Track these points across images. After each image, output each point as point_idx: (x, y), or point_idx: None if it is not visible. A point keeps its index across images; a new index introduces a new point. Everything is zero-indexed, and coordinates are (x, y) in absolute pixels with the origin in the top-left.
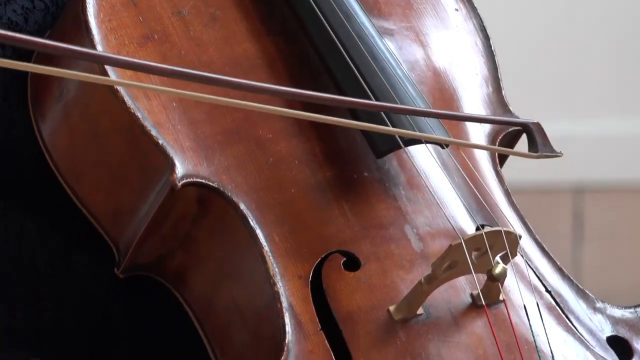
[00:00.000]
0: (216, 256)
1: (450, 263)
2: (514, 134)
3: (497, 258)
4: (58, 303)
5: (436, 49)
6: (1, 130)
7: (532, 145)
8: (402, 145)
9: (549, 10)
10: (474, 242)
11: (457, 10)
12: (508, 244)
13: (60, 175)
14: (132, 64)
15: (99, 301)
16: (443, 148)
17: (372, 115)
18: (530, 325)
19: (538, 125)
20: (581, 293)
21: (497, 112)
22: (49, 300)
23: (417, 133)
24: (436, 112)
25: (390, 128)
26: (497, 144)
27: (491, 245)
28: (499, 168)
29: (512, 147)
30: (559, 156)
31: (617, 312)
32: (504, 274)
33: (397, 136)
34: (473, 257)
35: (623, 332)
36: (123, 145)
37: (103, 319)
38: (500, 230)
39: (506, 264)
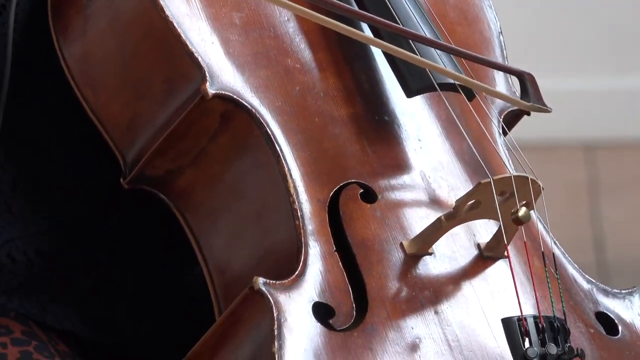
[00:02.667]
0: (229, 175)
1: (474, 202)
2: (516, 114)
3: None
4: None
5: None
6: None
7: (525, 94)
8: (437, 87)
9: None
10: (501, 183)
11: None
12: (533, 193)
13: (74, 83)
14: None
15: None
16: (470, 100)
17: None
18: (546, 271)
19: (532, 76)
20: (571, 262)
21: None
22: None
23: (455, 73)
24: (442, 43)
25: (429, 62)
26: (501, 120)
27: (517, 190)
28: (503, 138)
29: (512, 126)
30: (548, 111)
31: (608, 292)
32: (528, 217)
33: (431, 77)
34: (498, 200)
35: (609, 309)
36: (152, 55)
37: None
38: (528, 177)
39: None
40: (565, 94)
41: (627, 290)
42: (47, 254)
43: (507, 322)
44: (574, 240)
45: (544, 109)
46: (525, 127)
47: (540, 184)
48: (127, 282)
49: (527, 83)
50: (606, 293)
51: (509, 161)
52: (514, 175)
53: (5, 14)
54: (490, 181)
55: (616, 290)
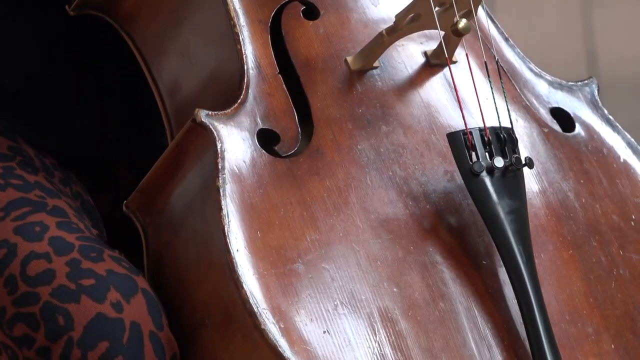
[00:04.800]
0: None
1: (414, 15)
2: None
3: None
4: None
5: None
6: None
7: None
8: None
9: None
10: None
11: None
12: (472, 2)
13: None
14: None
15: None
16: None
17: None
18: (490, 82)
19: None
20: (527, 62)
21: None
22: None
23: None
24: None
25: None
26: None
27: (456, 1)
28: None
29: None
30: None
31: (563, 86)
32: (468, 29)
33: None
34: (437, 11)
35: (565, 104)
36: None
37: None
38: None
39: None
40: None
41: (582, 82)
42: (31, 76)
43: (452, 137)
44: (567, 53)
45: None
46: None
47: None
48: (94, 101)
49: None
50: (561, 87)
51: None
52: None
53: None
54: None
55: (571, 83)
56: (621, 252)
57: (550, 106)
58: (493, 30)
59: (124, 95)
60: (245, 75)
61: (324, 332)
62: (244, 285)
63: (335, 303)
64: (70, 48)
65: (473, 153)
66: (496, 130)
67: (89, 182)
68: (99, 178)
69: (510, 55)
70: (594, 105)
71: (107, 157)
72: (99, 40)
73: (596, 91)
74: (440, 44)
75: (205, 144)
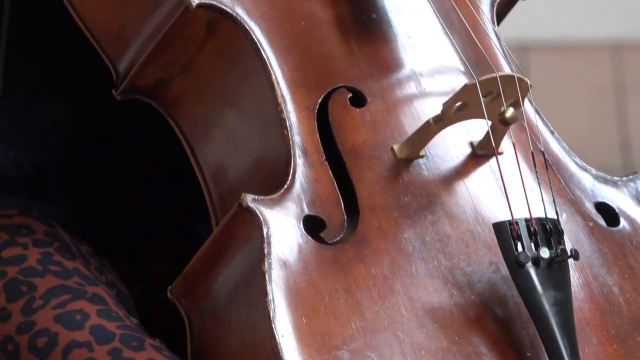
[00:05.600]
0: (218, 83)
1: (461, 104)
2: (508, 1)
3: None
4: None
5: None
6: None
7: None
8: None
9: None
10: (487, 84)
11: None
12: (520, 91)
13: None
14: None
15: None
16: None
17: None
18: (536, 171)
19: None
20: (572, 156)
21: None
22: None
23: None
24: None
25: None
26: (495, 8)
27: (503, 90)
28: (496, 27)
29: (505, 15)
30: None
31: (608, 180)
32: (515, 118)
33: None
34: (484, 100)
35: (609, 199)
36: None
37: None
38: (514, 76)
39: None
40: None
41: (627, 177)
42: (67, 162)
43: (498, 227)
44: (600, 142)
45: None
46: (550, 27)
47: (528, 82)
48: (132, 188)
49: None
50: (606, 182)
51: (503, 52)
52: (499, 75)
53: None
54: (476, 83)
55: (616, 178)
56: None
57: (595, 200)
58: (539, 122)
59: (161, 183)
60: (292, 161)
61: None
62: None
63: None
64: (109, 132)
65: (519, 243)
66: (542, 221)
67: (122, 270)
68: (132, 267)
69: (556, 148)
70: (638, 201)
71: (141, 246)
72: (140, 124)
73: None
74: (487, 134)
75: (251, 229)
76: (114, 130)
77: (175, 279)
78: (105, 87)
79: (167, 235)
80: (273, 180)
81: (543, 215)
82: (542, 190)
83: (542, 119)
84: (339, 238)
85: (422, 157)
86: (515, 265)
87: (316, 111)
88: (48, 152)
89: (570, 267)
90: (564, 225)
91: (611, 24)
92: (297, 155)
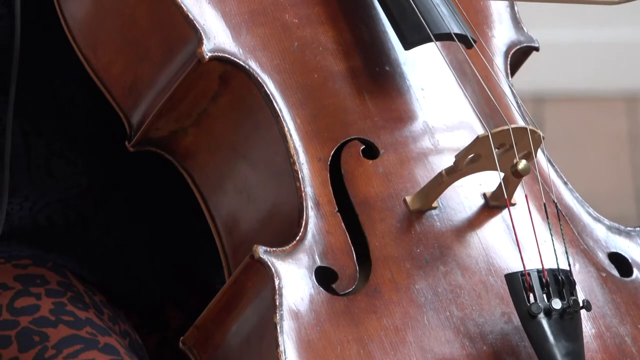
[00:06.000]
0: (231, 135)
1: (473, 156)
2: (524, 51)
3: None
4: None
5: None
6: None
7: None
8: (433, 39)
9: None
10: (500, 136)
11: None
12: (532, 143)
13: (76, 45)
14: None
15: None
16: (469, 48)
17: (403, 6)
18: (549, 224)
19: None
20: (585, 206)
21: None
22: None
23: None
24: None
25: None
26: (509, 59)
27: (516, 142)
28: (510, 79)
29: (519, 66)
30: None
31: (621, 231)
32: (528, 170)
33: (427, 29)
34: (497, 152)
35: (623, 249)
36: (149, 17)
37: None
38: (526, 128)
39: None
40: (606, 44)
41: None
42: (83, 213)
43: (510, 278)
44: (616, 191)
45: None
46: (566, 78)
47: (541, 134)
48: (146, 240)
49: None
50: (619, 232)
51: (516, 104)
52: (512, 127)
53: None
54: (489, 135)
55: (630, 228)
56: None
57: (608, 251)
58: (552, 173)
59: (176, 234)
60: (304, 213)
61: None
62: None
63: None
64: (124, 185)
65: (531, 294)
66: (554, 272)
67: (137, 320)
68: (147, 317)
69: (569, 199)
70: None
71: (156, 296)
72: (154, 176)
73: None
74: (499, 186)
75: (263, 281)
76: (130, 184)
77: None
78: (120, 140)
79: (181, 286)
80: (285, 232)
81: (555, 266)
82: (554, 241)
83: (555, 170)
84: (350, 289)
85: (434, 208)
86: (528, 316)
87: (329, 163)
88: (64, 206)
89: (582, 318)
90: (576, 276)
91: (626, 76)
92: (309, 207)
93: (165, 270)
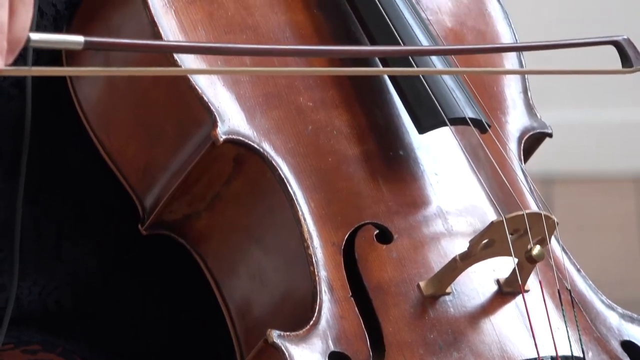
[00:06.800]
0: (245, 219)
1: (488, 241)
2: (537, 137)
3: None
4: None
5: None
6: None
7: (625, 60)
8: (448, 123)
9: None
10: (514, 222)
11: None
12: (547, 229)
13: (90, 128)
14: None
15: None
16: (483, 132)
17: (418, 90)
18: (562, 310)
19: (628, 40)
20: (599, 294)
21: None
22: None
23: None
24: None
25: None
26: (522, 145)
27: (530, 228)
28: (523, 165)
29: (533, 151)
30: None
31: (634, 319)
32: (542, 256)
33: (442, 113)
34: (511, 237)
35: (636, 338)
36: (163, 100)
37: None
38: (541, 214)
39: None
40: (613, 126)
41: None
42: (92, 296)
43: None
44: (625, 273)
45: None
46: (574, 159)
47: (555, 219)
48: (158, 322)
49: (625, 49)
50: (632, 320)
51: (530, 189)
52: (526, 213)
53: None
54: (503, 220)
55: None
56: None
57: (621, 339)
58: (566, 260)
59: (187, 318)
60: (318, 297)
61: None
62: None
63: None
64: (134, 267)
65: None
66: (568, 359)
67: None
68: None
69: (583, 286)
70: None
71: None
72: (164, 259)
73: None
74: (513, 272)
75: None
76: (140, 266)
77: None
78: (130, 221)
79: None
80: (299, 316)
81: (569, 354)
82: (568, 328)
83: (568, 257)
84: None
85: (448, 294)
86: None
87: (342, 247)
88: (73, 289)
89: None
90: None
91: (634, 157)
92: (323, 291)
93: (178, 354)
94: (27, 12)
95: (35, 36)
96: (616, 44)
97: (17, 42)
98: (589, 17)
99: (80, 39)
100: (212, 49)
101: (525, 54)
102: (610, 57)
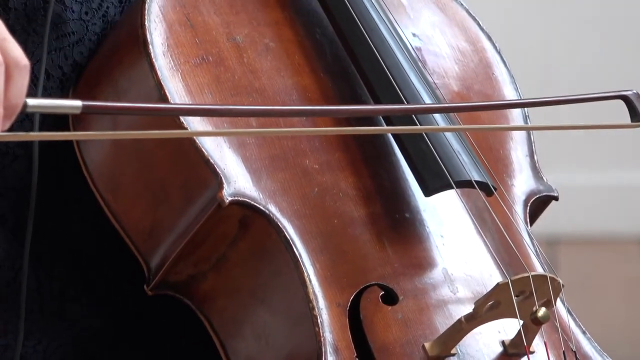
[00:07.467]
0: (250, 280)
1: (493, 303)
2: (543, 200)
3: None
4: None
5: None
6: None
7: (634, 114)
8: (454, 185)
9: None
10: (520, 284)
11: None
12: (552, 291)
13: (95, 189)
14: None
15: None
16: (489, 195)
17: (424, 153)
18: None
19: (637, 94)
20: (604, 356)
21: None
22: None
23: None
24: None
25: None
26: (528, 208)
27: (536, 290)
28: (529, 227)
29: (539, 214)
30: None
31: None
32: (548, 317)
33: (448, 176)
34: (516, 299)
35: None
36: (168, 161)
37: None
38: (546, 276)
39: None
40: (619, 188)
41: None
42: (95, 357)
43: None
44: (631, 336)
45: None
46: (580, 221)
47: (560, 281)
48: None
49: (634, 103)
50: None
51: (535, 252)
52: (532, 275)
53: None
54: (508, 282)
55: None
56: None
57: None
58: (571, 322)
59: None
60: (323, 358)
61: None
62: None
63: None
64: (138, 327)
65: None
66: None
67: None
68: None
69: (588, 348)
70: None
71: None
72: (169, 319)
73: None
74: (519, 333)
75: None
76: (143, 326)
77: None
78: (135, 281)
79: None
80: None
81: None
82: None
83: (573, 318)
84: None
85: (453, 355)
86: None
87: (348, 308)
88: (75, 348)
89: None
90: None
91: (639, 219)
92: (328, 352)
93: None
94: (23, 78)
95: (33, 101)
96: (625, 99)
97: (13, 108)
98: (596, 73)
99: (78, 103)
100: (214, 111)
101: (532, 114)
102: (619, 113)
